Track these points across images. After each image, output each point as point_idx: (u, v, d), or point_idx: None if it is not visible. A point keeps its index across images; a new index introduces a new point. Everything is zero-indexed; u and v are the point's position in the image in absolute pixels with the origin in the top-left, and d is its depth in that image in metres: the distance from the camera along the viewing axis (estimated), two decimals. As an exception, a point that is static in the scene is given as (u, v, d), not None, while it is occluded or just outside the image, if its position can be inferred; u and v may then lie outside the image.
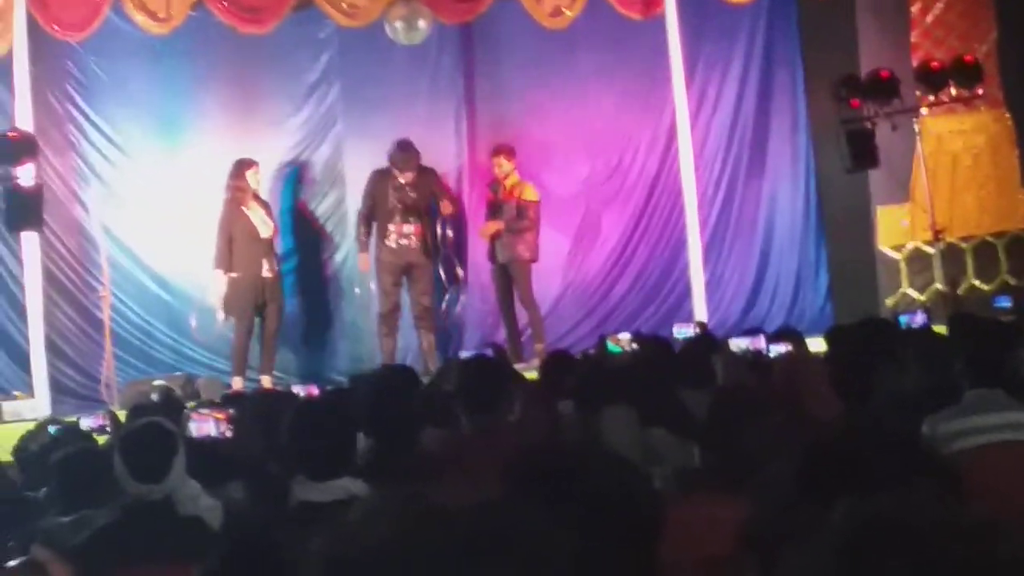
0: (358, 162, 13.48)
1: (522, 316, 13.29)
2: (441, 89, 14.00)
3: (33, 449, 6.71)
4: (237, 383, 12.31)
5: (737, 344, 9.40)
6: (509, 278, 13.15)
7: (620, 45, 13.91)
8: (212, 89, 13.71)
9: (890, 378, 6.15)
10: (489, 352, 10.68)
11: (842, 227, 14.06)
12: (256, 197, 12.75)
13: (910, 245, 13.59)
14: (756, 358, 8.38)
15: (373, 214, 12.96)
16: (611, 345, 10.75)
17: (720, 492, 4.60)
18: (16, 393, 12.35)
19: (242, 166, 12.65)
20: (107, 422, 8.76)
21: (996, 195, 13.65)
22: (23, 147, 11.73)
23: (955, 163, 13.63)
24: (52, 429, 7.21)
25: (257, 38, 13.03)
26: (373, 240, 12.99)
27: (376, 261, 12.96)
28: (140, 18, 12.55)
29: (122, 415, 8.89)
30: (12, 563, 4.83)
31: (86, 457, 5.59)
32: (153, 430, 4.86)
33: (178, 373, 12.78)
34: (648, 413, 5.88)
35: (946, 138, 13.61)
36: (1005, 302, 12.44)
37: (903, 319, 10.64)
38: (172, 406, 8.19)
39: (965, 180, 13.64)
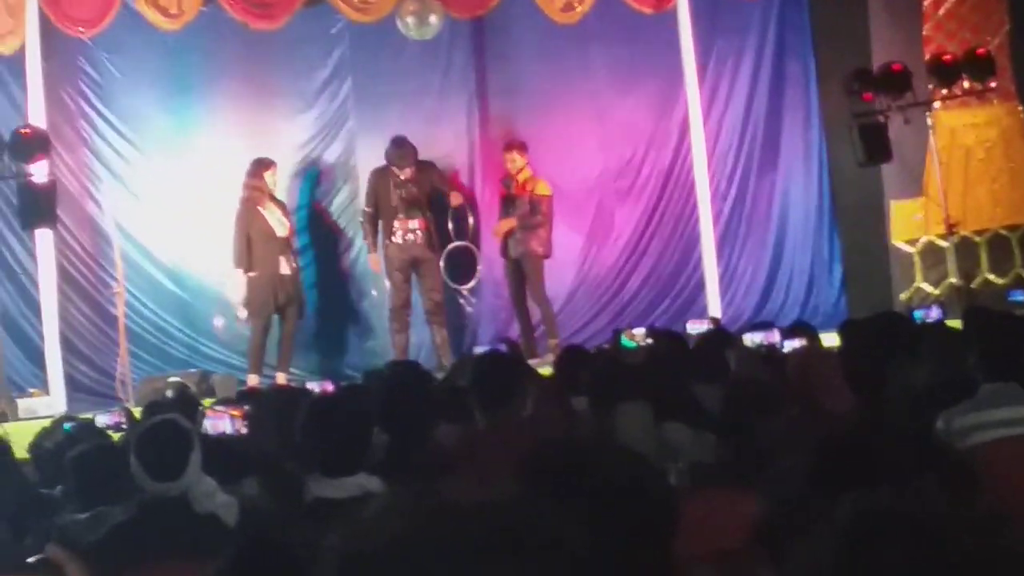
0: (370, 158, 13.47)
1: (535, 311, 13.28)
2: (453, 84, 14.00)
3: (48, 446, 6.71)
4: (253, 380, 12.30)
5: (751, 339, 9.41)
6: (522, 273, 13.15)
7: (632, 40, 13.89)
8: (224, 85, 13.71)
9: (904, 372, 6.14)
10: (503, 348, 10.70)
11: (855, 221, 14.04)
12: (272, 197, 12.76)
13: (924, 239, 13.57)
14: (770, 352, 8.39)
15: (377, 213, 12.97)
16: (625, 340, 10.75)
17: (734, 487, 4.61)
18: (31, 390, 12.37)
19: (260, 166, 12.65)
20: (123, 419, 8.78)
21: (1010, 188, 13.63)
22: (36, 144, 11.74)
23: (968, 156, 13.60)
24: (67, 426, 7.22)
25: (268, 34, 13.03)
26: (380, 239, 12.99)
27: (385, 259, 12.97)
28: (151, 14, 12.56)
29: (137, 412, 8.90)
30: (29, 560, 4.85)
31: (102, 454, 5.60)
32: (168, 428, 4.86)
33: (193, 370, 12.77)
34: (662, 408, 5.89)
35: (959, 131, 13.59)
36: (1020, 295, 12.40)
37: (917, 313, 10.62)
38: (187, 403, 8.19)
39: (978, 173, 13.61)
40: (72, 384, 12.49)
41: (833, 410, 5.34)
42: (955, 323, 8.96)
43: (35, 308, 12.65)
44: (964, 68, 12.92)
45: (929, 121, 13.09)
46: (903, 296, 13.49)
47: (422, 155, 13.27)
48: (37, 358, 12.59)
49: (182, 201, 13.45)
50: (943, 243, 13.37)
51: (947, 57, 12.99)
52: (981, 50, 13.01)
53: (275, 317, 12.66)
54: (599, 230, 14.20)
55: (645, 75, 14.11)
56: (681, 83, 13.56)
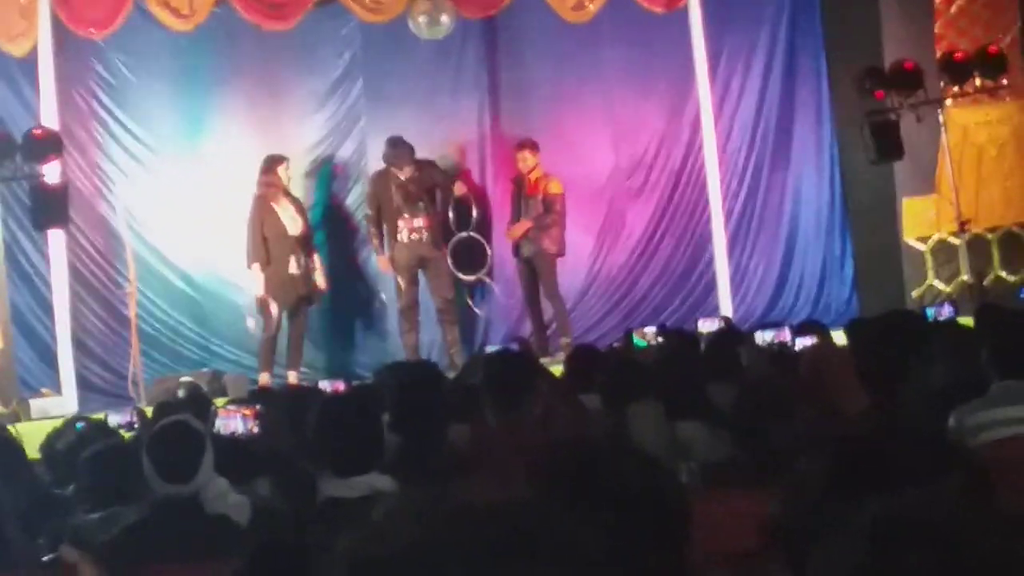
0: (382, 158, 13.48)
1: (548, 310, 13.28)
2: (464, 84, 13.99)
3: (60, 447, 6.71)
4: (264, 379, 12.31)
5: (762, 337, 9.39)
6: (535, 272, 13.15)
7: (643, 38, 13.89)
8: (236, 85, 13.72)
9: (917, 371, 6.12)
10: (515, 347, 10.70)
11: (867, 219, 14.02)
12: (287, 194, 12.75)
13: (936, 236, 13.55)
14: (781, 351, 8.38)
15: (381, 216, 12.97)
16: (636, 339, 10.75)
17: (747, 487, 4.59)
18: (43, 390, 12.39)
19: (273, 162, 12.64)
20: (135, 419, 8.79)
21: (1022, 186, 13.60)
22: (49, 145, 11.75)
23: (980, 154, 13.58)
24: (79, 426, 7.22)
25: (280, 34, 13.05)
26: (386, 242, 12.99)
27: (391, 260, 12.96)
28: (163, 15, 12.57)
29: (149, 412, 8.91)
30: (44, 559, 4.87)
31: (114, 454, 5.60)
32: (180, 429, 4.86)
33: (205, 369, 12.79)
34: (675, 407, 5.88)
35: (971, 129, 13.56)
36: (1031, 293, 12.40)
37: (929, 311, 10.61)
38: (199, 403, 8.20)
39: (990, 171, 13.59)
40: (84, 384, 12.49)
41: (847, 409, 5.33)
42: (967, 321, 8.95)
43: (47, 308, 12.67)
44: (976, 66, 12.89)
45: (941, 119, 13.07)
46: (915, 294, 13.48)
47: (434, 155, 13.29)
48: (49, 358, 12.61)
49: (194, 201, 13.46)
50: (955, 241, 13.35)
51: (959, 55, 12.96)
52: (993, 47, 12.99)
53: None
54: (610, 228, 14.19)
55: (656, 73, 14.10)
56: (692, 81, 13.55)
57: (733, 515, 3.97)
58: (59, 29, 12.40)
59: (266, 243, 12.48)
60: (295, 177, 13.16)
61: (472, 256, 13.45)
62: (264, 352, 12.57)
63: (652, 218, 14.22)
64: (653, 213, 14.22)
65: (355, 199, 13.81)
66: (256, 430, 7.05)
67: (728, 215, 13.77)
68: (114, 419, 8.78)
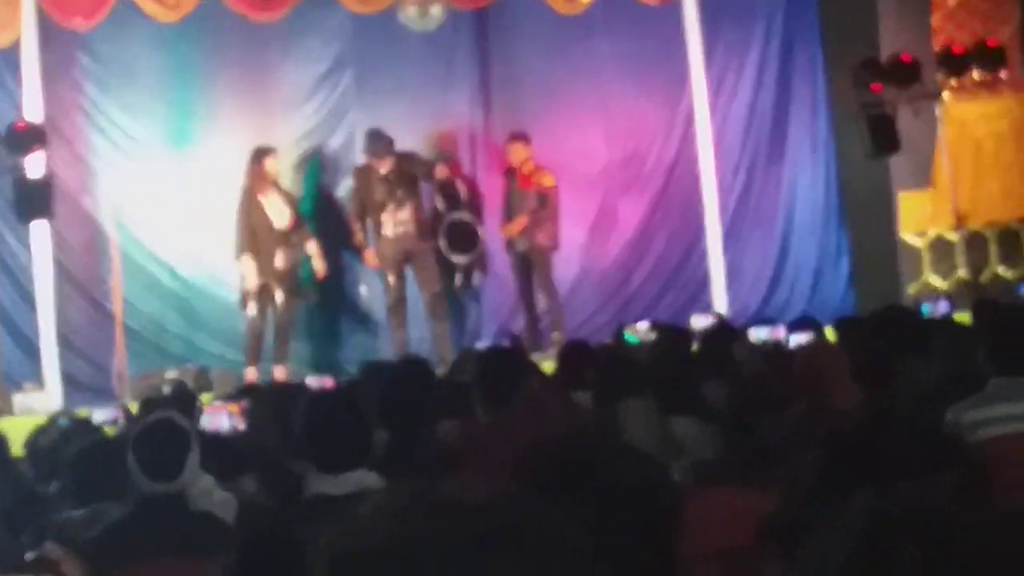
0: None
1: (540, 305, 13.25)
2: (455, 76, 13.95)
3: (44, 443, 6.70)
4: (251, 374, 12.28)
5: (756, 334, 9.36)
6: (529, 267, 13.11)
7: (636, 30, 13.87)
8: (223, 77, 13.65)
9: (913, 367, 6.10)
10: (506, 342, 10.66)
11: (863, 213, 14.00)
12: (275, 186, 12.70)
13: (932, 232, 13.52)
14: (775, 348, 8.35)
15: (364, 211, 12.93)
16: (629, 335, 10.72)
17: (740, 483, 4.58)
18: (27, 386, 12.32)
19: (260, 154, 12.61)
20: (119, 415, 8.75)
21: (1020, 181, 13.61)
22: (32, 137, 11.73)
23: (978, 148, 13.57)
24: (62, 423, 7.19)
25: (268, 25, 13.02)
26: (371, 237, 12.95)
27: (378, 256, 12.92)
28: (149, 5, 12.52)
29: (134, 407, 8.87)
30: (28, 556, 4.81)
31: (98, 451, 5.60)
32: (166, 427, 4.85)
33: (190, 365, 12.72)
34: (668, 404, 5.85)
35: (969, 123, 13.55)
36: (1029, 289, 12.39)
37: (926, 307, 10.60)
38: (185, 399, 8.18)
39: (988, 166, 13.58)
40: (68, 380, 12.43)
41: (840, 406, 5.30)
42: (964, 317, 8.93)
43: (31, 303, 12.60)
44: (974, 59, 12.88)
45: (938, 112, 13.07)
46: (911, 290, 13.46)
47: (424, 147, 13.23)
48: (33, 353, 12.55)
49: (180, 195, 13.39)
50: (952, 236, 13.34)
51: (957, 48, 12.96)
52: (991, 41, 12.99)
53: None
54: (603, 222, 14.15)
55: (650, 66, 14.06)
56: (686, 74, 13.53)
57: (726, 511, 3.97)
58: (43, 20, 12.35)
59: (255, 235, 12.43)
60: (284, 169, 13.11)
61: (464, 238, 13.37)
62: (250, 347, 12.53)
63: (645, 212, 14.19)
64: (646, 207, 14.19)
65: (344, 191, 13.72)
66: (242, 426, 7.01)
67: (722, 209, 13.75)
68: (99, 415, 8.76)
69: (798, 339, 8.18)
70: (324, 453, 4.84)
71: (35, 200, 11.73)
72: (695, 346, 8.46)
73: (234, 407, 7.13)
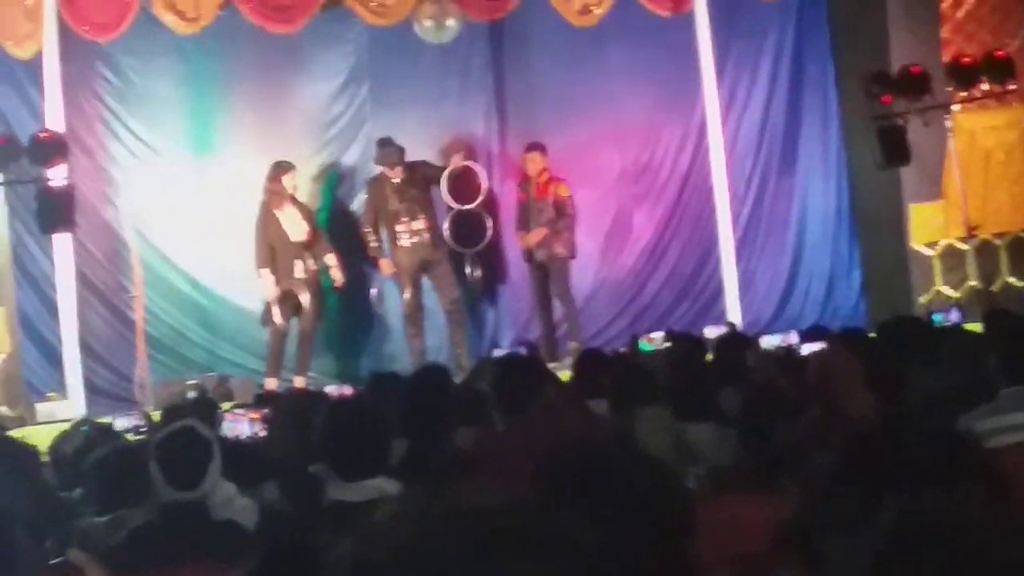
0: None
1: (558, 313, 13.28)
2: (471, 88, 13.99)
3: (67, 450, 6.73)
4: (271, 383, 12.32)
5: (769, 342, 9.40)
6: (547, 276, 13.14)
7: (649, 42, 13.88)
8: (241, 89, 13.72)
9: (924, 376, 6.12)
10: (523, 350, 10.70)
11: (875, 224, 14.01)
12: (293, 200, 12.75)
13: (943, 242, 13.52)
14: (788, 355, 8.39)
15: (378, 222, 12.96)
16: (643, 344, 10.77)
17: (754, 490, 4.59)
18: (50, 394, 12.38)
19: (279, 170, 12.64)
20: (141, 422, 8.80)
21: (1030, 191, 13.58)
22: (54, 148, 11.74)
23: (988, 159, 13.55)
24: (85, 429, 7.23)
25: (286, 37, 13.05)
26: (387, 247, 12.98)
27: (395, 266, 12.95)
28: (169, 18, 12.58)
29: (156, 415, 8.92)
30: (52, 562, 4.87)
31: (121, 458, 5.60)
32: (187, 436, 4.84)
33: (212, 373, 12.78)
34: (682, 412, 5.88)
35: (978, 134, 13.54)
36: (1040, 298, 12.38)
37: (937, 317, 10.62)
38: (206, 407, 8.21)
39: (998, 176, 13.56)
40: (91, 388, 12.47)
41: (854, 413, 5.32)
42: (975, 326, 8.94)
43: (54, 312, 12.64)
44: (983, 70, 12.86)
45: (948, 124, 13.04)
46: (923, 299, 13.45)
47: (439, 159, 13.28)
48: (56, 362, 12.58)
49: (200, 205, 13.46)
50: (963, 246, 13.33)
51: (966, 59, 12.93)
52: (1000, 52, 12.95)
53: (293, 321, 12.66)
54: (618, 233, 14.19)
55: (663, 78, 14.09)
56: (699, 86, 13.53)
57: (740, 518, 3.98)
58: (65, 32, 12.39)
59: (272, 249, 12.49)
60: (302, 181, 13.15)
61: (472, 230, 13.39)
62: (272, 356, 12.58)
63: (659, 223, 14.22)
64: (660, 218, 14.23)
65: (360, 203, 13.75)
66: (263, 434, 7.07)
67: (735, 220, 13.75)
68: (121, 423, 8.81)
69: (811, 348, 8.21)
70: (343, 460, 4.85)
71: (58, 211, 11.74)
72: (709, 355, 8.49)
73: (255, 415, 7.20)
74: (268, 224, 12.54)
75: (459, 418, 6.22)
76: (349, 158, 13.95)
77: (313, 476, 5.24)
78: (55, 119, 12.27)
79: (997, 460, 4.81)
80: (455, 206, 13.28)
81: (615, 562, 1.78)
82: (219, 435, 6.57)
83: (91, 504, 5.57)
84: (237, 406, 8.64)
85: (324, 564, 3.27)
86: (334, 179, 13.92)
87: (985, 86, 12.98)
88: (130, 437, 8.18)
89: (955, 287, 13.44)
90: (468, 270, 13.33)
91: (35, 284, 13.08)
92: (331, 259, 12.78)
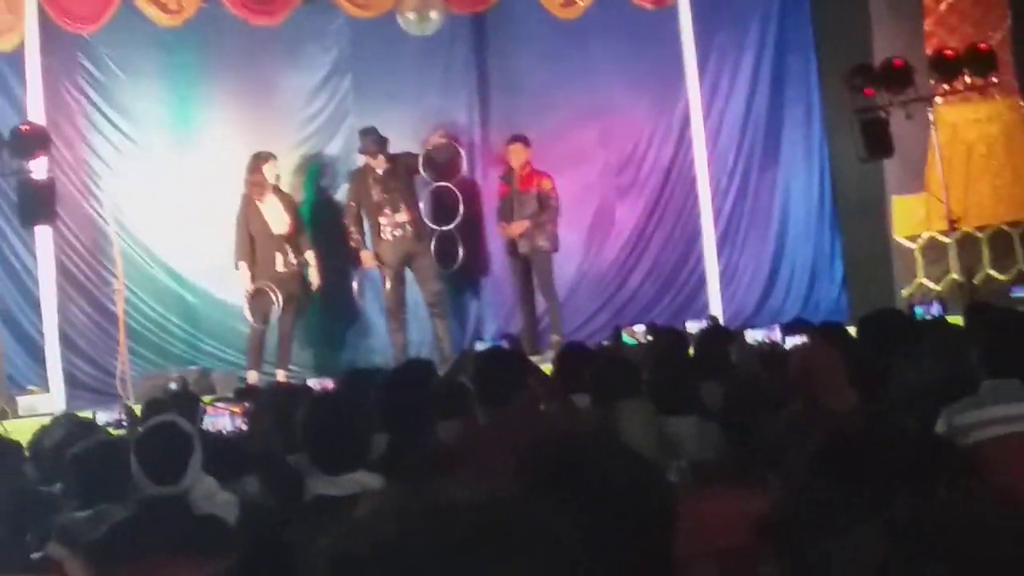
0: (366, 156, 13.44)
1: (540, 307, 13.28)
2: (454, 80, 13.98)
3: (48, 444, 6.70)
4: (252, 377, 12.29)
5: (752, 336, 9.41)
6: (529, 268, 13.14)
7: (633, 35, 13.89)
8: (223, 81, 13.68)
9: (906, 369, 6.13)
10: (505, 344, 10.69)
11: (857, 217, 14.04)
12: (276, 190, 12.73)
13: (925, 235, 13.56)
14: (771, 349, 8.39)
15: (360, 214, 12.95)
16: (626, 337, 10.77)
17: (737, 484, 4.60)
18: (31, 388, 12.34)
19: (258, 160, 12.62)
20: (123, 416, 8.78)
21: (1011, 184, 13.63)
22: (35, 141, 11.68)
23: (970, 152, 13.60)
24: (65, 424, 7.21)
25: (268, 30, 13.01)
26: (369, 239, 12.96)
27: (377, 259, 12.93)
28: (151, 10, 12.53)
29: (138, 409, 8.90)
30: (32, 556, 4.86)
31: (102, 452, 5.58)
32: (168, 430, 4.86)
33: (193, 367, 12.76)
34: (665, 405, 5.89)
35: (961, 127, 13.58)
36: (1022, 291, 12.43)
37: (919, 309, 10.64)
38: (187, 400, 8.19)
39: (980, 169, 13.60)
40: (72, 381, 12.43)
41: (836, 407, 5.33)
42: (957, 319, 8.97)
43: (35, 305, 12.60)
44: (965, 63, 12.89)
45: (931, 116, 13.07)
46: (905, 292, 13.49)
47: (421, 151, 13.27)
48: (37, 355, 12.54)
49: (182, 198, 13.41)
50: (945, 239, 13.36)
51: (948, 52, 12.96)
52: (983, 45, 12.99)
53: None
54: (600, 226, 14.19)
55: (646, 71, 14.10)
56: (682, 78, 13.55)
57: (722, 511, 3.98)
58: (46, 24, 12.32)
59: (252, 242, 12.47)
60: (284, 174, 13.12)
61: (448, 208, 13.41)
62: (252, 350, 12.56)
63: (641, 216, 14.23)
64: (643, 211, 14.24)
65: (343, 196, 13.72)
66: (244, 428, 7.06)
67: (717, 213, 13.78)
68: (102, 416, 8.80)
69: (793, 341, 8.22)
70: (324, 454, 4.86)
71: (39, 204, 11.68)
72: (691, 348, 8.49)
73: (236, 408, 7.19)
74: (249, 216, 12.51)
75: (441, 412, 6.22)
76: (331, 150, 13.93)
77: (294, 470, 5.24)
78: (36, 111, 12.22)
79: (980, 453, 4.84)
80: (432, 182, 13.27)
81: (597, 556, 1.78)
82: (201, 429, 6.57)
83: (72, 498, 5.55)
84: (219, 400, 8.62)
85: (304, 559, 3.27)
86: (316, 171, 13.90)
87: (967, 79, 13.01)
88: (111, 431, 8.15)
89: (937, 280, 13.48)
90: (433, 249, 13.29)
91: (16, 277, 13.02)
92: (310, 257, 12.77)
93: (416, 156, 13.23)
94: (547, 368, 8.74)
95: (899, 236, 13.70)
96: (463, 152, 13.57)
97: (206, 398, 8.78)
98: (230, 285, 12.88)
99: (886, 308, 8.99)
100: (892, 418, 5.24)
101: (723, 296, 13.42)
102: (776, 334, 9.41)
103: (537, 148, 13.28)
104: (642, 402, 5.94)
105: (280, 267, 12.51)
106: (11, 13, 12.31)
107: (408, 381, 6.61)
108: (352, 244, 13.09)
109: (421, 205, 13.20)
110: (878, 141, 12.89)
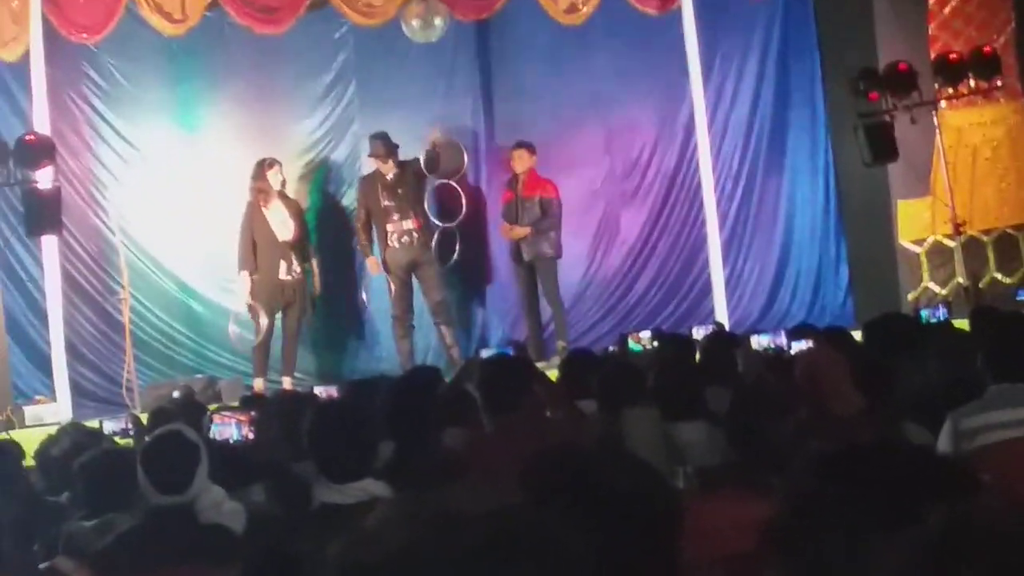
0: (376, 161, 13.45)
1: (545, 314, 13.27)
2: (457, 87, 13.99)
3: (54, 453, 6.70)
4: (258, 385, 12.30)
5: (757, 341, 9.40)
6: (533, 275, 13.13)
7: (636, 41, 13.89)
8: (229, 90, 13.69)
9: (912, 373, 6.12)
10: (511, 351, 10.68)
11: (862, 222, 14.02)
12: (282, 196, 12.73)
13: (931, 239, 13.54)
14: (777, 355, 8.38)
15: (370, 220, 12.95)
16: (632, 343, 10.76)
17: (743, 489, 4.59)
18: (38, 397, 12.35)
19: (263, 166, 12.62)
20: (129, 425, 8.78)
21: (1016, 187, 13.61)
22: (41, 150, 11.70)
23: (975, 156, 13.58)
24: (72, 433, 7.21)
25: (273, 38, 13.02)
26: (376, 245, 12.96)
27: (384, 264, 12.93)
28: (155, 19, 12.54)
29: (144, 418, 8.90)
30: (39, 567, 4.85)
31: (109, 461, 5.58)
32: (175, 440, 4.84)
33: (199, 375, 12.77)
34: (671, 412, 5.88)
35: (965, 130, 13.56)
36: (1027, 295, 12.39)
37: (924, 314, 10.63)
38: (194, 409, 8.19)
39: (985, 173, 13.59)
40: (78, 391, 12.44)
41: (842, 412, 5.32)
42: (962, 323, 8.95)
43: (41, 315, 12.61)
44: (970, 67, 12.88)
45: (935, 120, 13.06)
46: (910, 296, 13.48)
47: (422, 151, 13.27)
48: (43, 365, 12.55)
49: (187, 206, 13.43)
50: (950, 243, 13.35)
51: (953, 56, 12.95)
52: (987, 48, 12.98)
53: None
54: (605, 232, 14.19)
55: (650, 76, 14.10)
56: (686, 84, 13.54)
57: (729, 517, 3.97)
58: (51, 34, 12.31)
59: (256, 249, 12.47)
60: (289, 181, 13.13)
61: (446, 205, 13.43)
62: (258, 358, 12.56)
63: (647, 222, 14.22)
64: (648, 217, 14.23)
65: (349, 203, 13.75)
66: (251, 436, 7.05)
67: (723, 218, 13.76)
68: (109, 426, 8.80)
69: (799, 346, 8.21)
70: (331, 462, 4.85)
71: (44, 214, 11.68)
72: (697, 354, 8.48)
73: (243, 417, 7.17)
74: (254, 223, 12.51)
75: (447, 419, 6.22)
76: (336, 157, 13.95)
77: (301, 479, 5.24)
78: (42, 121, 12.22)
79: (985, 457, 4.83)
80: (435, 180, 13.29)
81: (604, 563, 1.77)
82: (207, 438, 6.57)
83: (78, 508, 5.55)
84: (225, 408, 8.62)
85: (312, 568, 3.27)
86: (321, 178, 13.92)
87: (972, 83, 13.00)
88: (118, 440, 8.16)
89: (942, 284, 13.46)
90: (434, 246, 13.26)
91: (22, 287, 13.04)
92: (314, 263, 12.79)
93: (419, 160, 13.23)
94: (553, 375, 8.73)
95: (904, 240, 13.68)
96: (464, 149, 13.57)
97: (212, 407, 8.78)
98: (236, 293, 12.89)
99: (892, 312, 8.97)
100: (898, 423, 5.24)
101: (729, 301, 13.39)
102: (782, 339, 9.40)
103: (541, 154, 13.27)
104: (648, 408, 5.93)
105: (283, 275, 12.51)
106: (16, 23, 12.33)
107: (414, 388, 6.60)
108: (362, 251, 13.10)
109: (427, 203, 13.21)
110: (883, 145, 12.88)
